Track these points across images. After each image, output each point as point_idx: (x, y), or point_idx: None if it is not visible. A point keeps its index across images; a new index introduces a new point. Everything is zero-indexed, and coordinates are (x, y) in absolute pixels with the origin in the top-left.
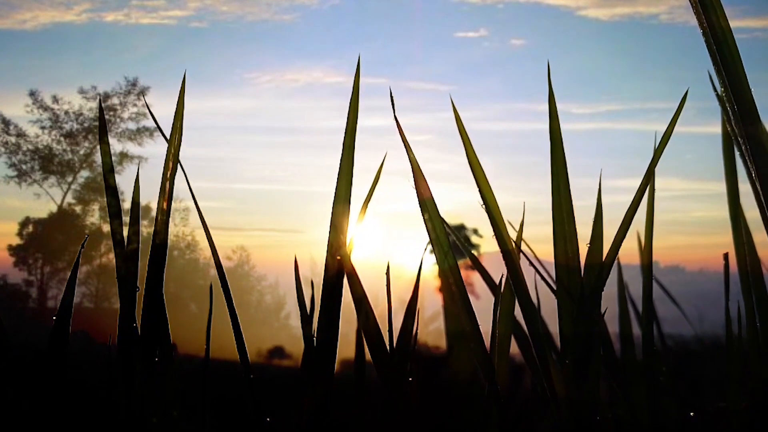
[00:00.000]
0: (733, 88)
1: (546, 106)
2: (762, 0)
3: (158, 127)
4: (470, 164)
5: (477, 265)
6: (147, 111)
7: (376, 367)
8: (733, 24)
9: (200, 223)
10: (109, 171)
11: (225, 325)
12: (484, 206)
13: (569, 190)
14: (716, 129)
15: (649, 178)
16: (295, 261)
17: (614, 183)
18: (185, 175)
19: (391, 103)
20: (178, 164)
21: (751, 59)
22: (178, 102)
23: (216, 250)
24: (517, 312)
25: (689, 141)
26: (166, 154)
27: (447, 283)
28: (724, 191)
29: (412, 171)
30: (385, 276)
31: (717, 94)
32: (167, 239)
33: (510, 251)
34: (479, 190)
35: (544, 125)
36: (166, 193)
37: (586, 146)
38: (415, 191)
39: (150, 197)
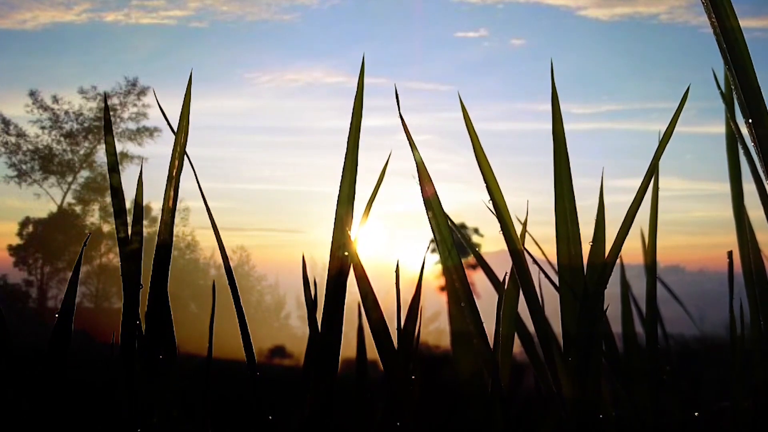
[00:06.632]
0: (744, 88)
1: (547, 106)
2: (762, 0)
3: (167, 122)
4: (478, 161)
5: (482, 262)
6: (147, 111)
7: (384, 365)
8: None
9: (200, 223)
10: (112, 169)
11: (224, 325)
12: (491, 202)
13: (572, 191)
14: (716, 129)
15: (651, 175)
16: (303, 259)
17: (614, 183)
18: (195, 175)
19: (396, 101)
20: (189, 164)
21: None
22: (183, 103)
23: (224, 249)
24: (520, 310)
25: (689, 141)
26: (172, 153)
27: (450, 281)
28: (725, 191)
29: (417, 169)
30: (384, 276)
31: (722, 93)
32: (172, 238)
33: (518, 250)
34: (487, 187)
35: (545, 125)
36: (171, 192)
37: (587, 146)
38: (420, 189)
39: (150, 197)
